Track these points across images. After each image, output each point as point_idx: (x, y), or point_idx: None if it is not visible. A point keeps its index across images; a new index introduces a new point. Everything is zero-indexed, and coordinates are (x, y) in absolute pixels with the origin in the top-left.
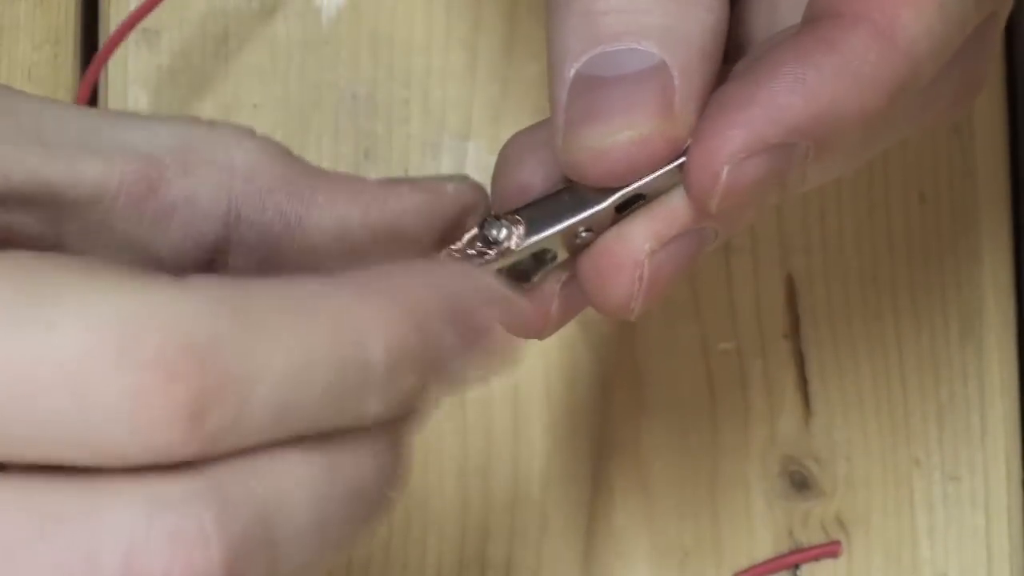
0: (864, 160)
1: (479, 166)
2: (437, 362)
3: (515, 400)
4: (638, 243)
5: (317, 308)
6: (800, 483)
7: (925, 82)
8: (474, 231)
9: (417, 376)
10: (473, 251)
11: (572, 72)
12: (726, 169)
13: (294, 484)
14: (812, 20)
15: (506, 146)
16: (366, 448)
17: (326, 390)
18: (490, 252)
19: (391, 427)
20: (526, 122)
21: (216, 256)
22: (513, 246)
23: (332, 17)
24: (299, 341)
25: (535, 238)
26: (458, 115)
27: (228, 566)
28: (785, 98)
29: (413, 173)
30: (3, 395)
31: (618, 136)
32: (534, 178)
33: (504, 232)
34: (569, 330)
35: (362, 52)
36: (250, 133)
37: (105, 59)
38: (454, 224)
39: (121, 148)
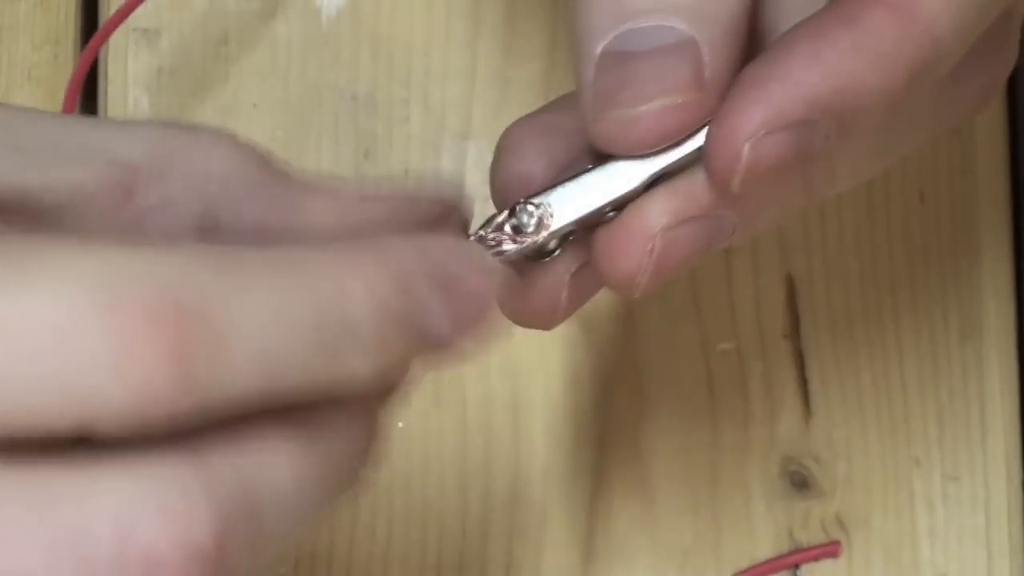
0: (892, 158)
1: (479, 166)
2: (421, 327)
3: (515, 400)
4: (654, 216)
5: (302, 265)
6: (800, 483)
7: (949, 64)
8: (503, 215)
9: (400, 339)
10: (505, 236)
11: (600, 49)
12: (747, 146)
13: (277, 459)
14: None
15: (505, 134)
16: (345, 425)
17: (309, 344)
18: (519, 238)
19: (370, 404)
20: None
21: None
22: (543, 233)
23: (332, 17)
24: (283, 295)
25: (564, 223)
26: (458, 115)
27: (218, 538)
28: (802, 73)
29: (413, 173)
30: None
31: (652, 104)
32: (535, 167)
33: (535, 219)
34: (569, 330)
35: (362, 52)
36: (229, 138)
37: (95, 51)
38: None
39: (97, 154)
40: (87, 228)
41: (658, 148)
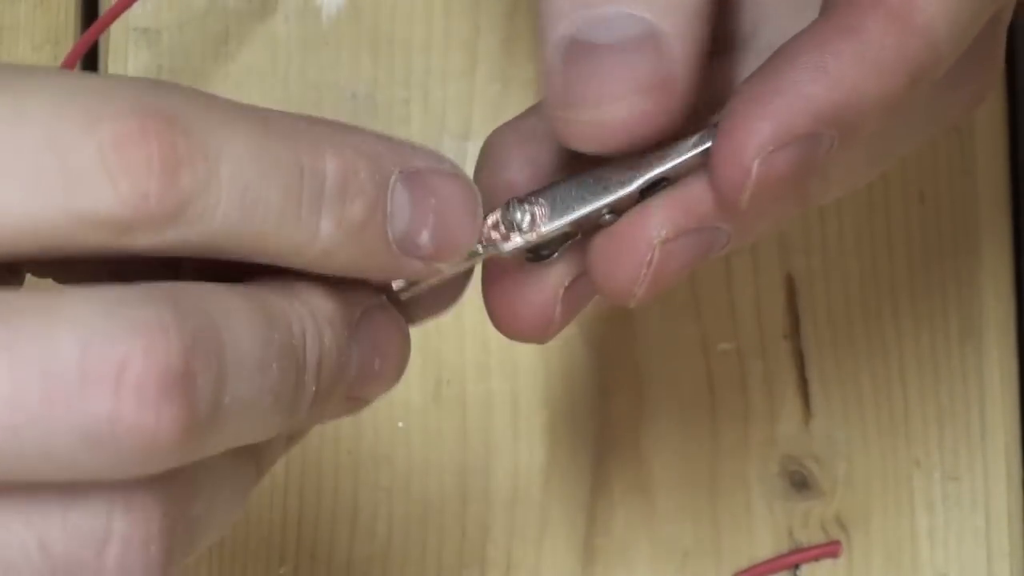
0: (885, 165)
1: None
2: (381, 205)
3: (515, 400)
4: (653, 228)
5: (273, 119)
6: (800, 483)
7: (945, 67)
8: (497, 214)
9: (365, 208)
10: (497, 234)
11: (560, 36)
12: (756, 163)
13: (239, 314)
14: (829, 8)
15: (488, 141)
16: (306, 321)
17: (284, 190)
18: (513, 236)
19: (330, 315)
20: None
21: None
22: (536, 232)
23: (332, 17)
24: (257, 138)
25: (558, 223)
26: (458, 115)
27: (185, 356)
28: (808, 87)
29: None
30: None
31: (615, 111)
32: (520, 175)
33: (528, 217)
34: (569, 330)
35: (362, 52)
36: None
37: (85, 47)
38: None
39: None
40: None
41: (640, 148)
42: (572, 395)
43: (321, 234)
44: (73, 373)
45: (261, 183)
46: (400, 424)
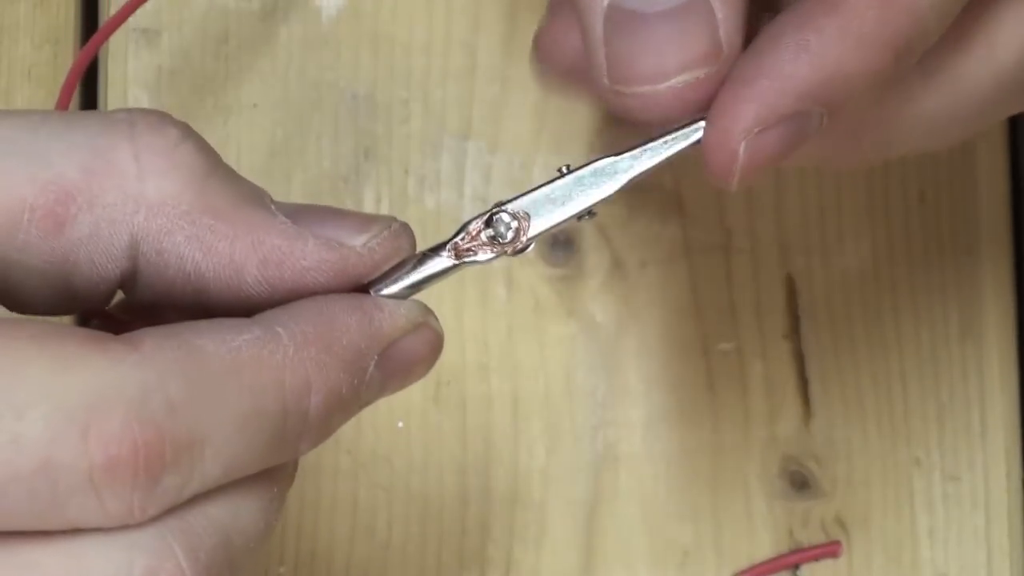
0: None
1: (479, 166)
2: (365, 399)
3: (515, 400)
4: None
5: (260, 365)
6: (800, 483)
7: (932, 39)
8: (479, 223)
9: (347, 415)
10: (480, 243)
11: (603, 3)
12: (743, 145)
13: (250, 504)
14: None
15: None
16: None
17: (269, 441)
18: (495, 248)
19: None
20: (526, 122)
21: (124, 289)
22: (520, 241)
23: (332, 17)
24: (246, 400)
25: (541, 230)
26: (458, 115)
27: None
28: (791, 67)
29: (413, 173)
30: None
31: (671, 82)
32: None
33: (511, 229)
34: (569, 330)
35: (362, 52)
36: (172, 143)
37: (93, 51)
38: (364, 279)
39: (33, 166)
40: (28, 262)
41: (647, 138)
42: (572, 395)
43: (300, 451)
44: None
45: (245, 449)
46: (400, 424)
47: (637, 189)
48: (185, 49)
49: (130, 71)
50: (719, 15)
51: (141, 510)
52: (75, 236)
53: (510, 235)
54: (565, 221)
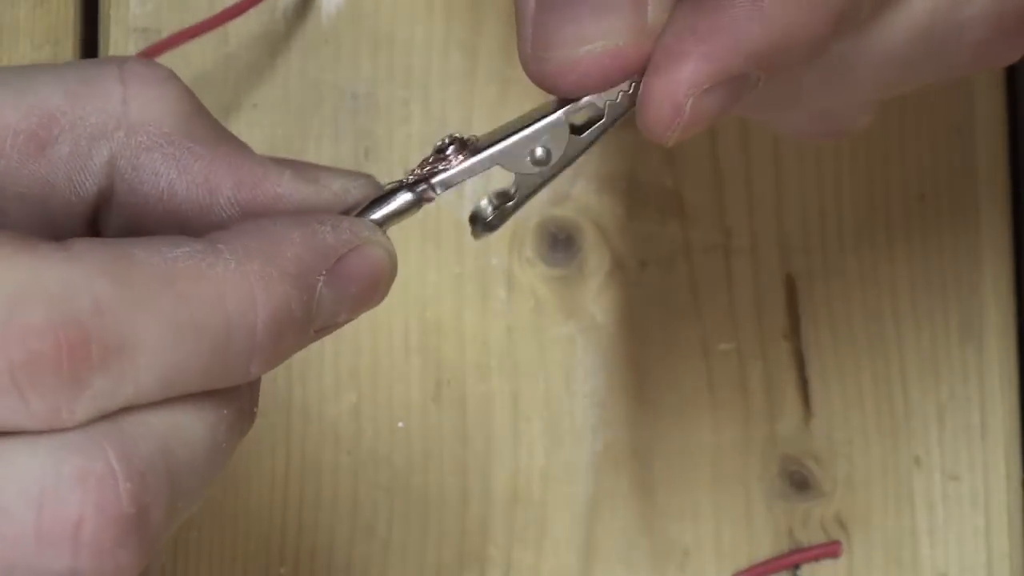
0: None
1: None
2: (320, 322)
3: (515, 400)
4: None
5: (198, 276)
6: (800, 483)
7: (867, 10)
8: (430, 155)
9: (301, 337)
10: (433, 167)
11: None
12: (690, 102)
13: (191, 418)
14: None
15: None
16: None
17: (212, 355)
18: (443, 164)
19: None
20: None
21: (99, 213)
22: (465, 159)
23: (332, 17)
24: (182, 310)
25: (485, 154)
26: (458, 115)
27: (137, 498)
28: (746, 25)
29: None
30: None
31: (591, 47)
32: None
33: (455, 144)
34: (569, 330)
35: (362, 52)
36: (161, 79)
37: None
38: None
39: (19, 96)
40: (4, 181)
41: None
42: (572, 395)
43: (251, 372)
44: (30, 537)
45: (184, 361)
46: (400, 424)
47: (637, 189)
48: (185, 49)
49: None
50: None
51: (69, 411)
52: (55, 156)
53: (452, 150)
54: (508, 147)
